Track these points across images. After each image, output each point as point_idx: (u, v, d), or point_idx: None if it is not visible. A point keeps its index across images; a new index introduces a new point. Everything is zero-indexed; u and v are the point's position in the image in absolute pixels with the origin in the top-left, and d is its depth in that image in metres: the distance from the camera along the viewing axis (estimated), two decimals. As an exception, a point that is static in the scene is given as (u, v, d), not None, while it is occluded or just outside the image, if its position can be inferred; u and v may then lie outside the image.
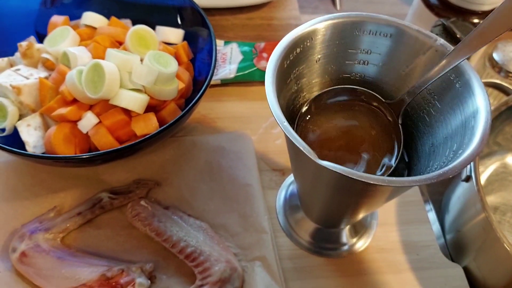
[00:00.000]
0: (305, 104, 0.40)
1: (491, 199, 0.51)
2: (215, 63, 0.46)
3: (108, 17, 0.52)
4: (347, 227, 0.47)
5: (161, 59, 0.44)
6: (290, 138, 0.30)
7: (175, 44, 0.52)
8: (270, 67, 0.34)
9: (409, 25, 0.37)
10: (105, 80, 0.40)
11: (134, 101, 0.42)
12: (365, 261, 0.46)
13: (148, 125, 0.42)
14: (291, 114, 0.39)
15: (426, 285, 0.45)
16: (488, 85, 0.52)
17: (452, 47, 0.35)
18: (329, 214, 0.43)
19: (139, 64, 0.43)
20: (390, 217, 0.49)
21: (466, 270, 0.46)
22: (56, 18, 0.50)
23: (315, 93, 0.40)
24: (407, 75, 0.39)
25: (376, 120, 0.39)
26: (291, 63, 0.36)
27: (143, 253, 0.45)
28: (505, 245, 0.39)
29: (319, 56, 0.38)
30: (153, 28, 0.52)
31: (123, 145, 0.40)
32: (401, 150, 0.38)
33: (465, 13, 0.53)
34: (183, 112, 0.42)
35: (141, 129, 0.42)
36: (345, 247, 0.47)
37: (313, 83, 0.40)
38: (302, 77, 0.38)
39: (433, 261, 0.46)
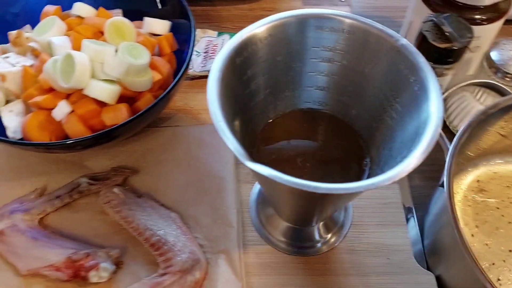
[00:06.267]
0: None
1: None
2: (191, 55, 0.46)
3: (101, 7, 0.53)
4: (319, 225, 0.46)
5: (134, 51, 0.44)
6: (222, 137, 0.30)
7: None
8: (217, 64, 0.34)
9: (370, 22, 0.35)
10: (75, 71, 0.41)
11: (104, 91, 0.43)
12: (332, 261, 0.45)
13: (118, 116, 0.43)
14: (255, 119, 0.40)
15: (392, 290, 0.44)
16: (479, 85, 0.49)
17: (413, 47, 0.34)
18: (293, 213, 0.43)
19: (111, 56, 0.44)
20: (366, 218, 0.48)
21: (440, 279, 0.44)
22: (48, 8, 0.52)
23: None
24: (370, 74, 0.37)
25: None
26: (244, 61, 0.36)
27: (114, 239, 0.46)
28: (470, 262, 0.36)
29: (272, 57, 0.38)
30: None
31: (89, 135, 0.41)
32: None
33: (463, 9, 0.50)
34: (153, 103, 0.43)
35: (110, 119, 0.43)
36: (314, 247, 0.46)
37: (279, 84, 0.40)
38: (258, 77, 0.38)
39: (403, 267, 0.45)
